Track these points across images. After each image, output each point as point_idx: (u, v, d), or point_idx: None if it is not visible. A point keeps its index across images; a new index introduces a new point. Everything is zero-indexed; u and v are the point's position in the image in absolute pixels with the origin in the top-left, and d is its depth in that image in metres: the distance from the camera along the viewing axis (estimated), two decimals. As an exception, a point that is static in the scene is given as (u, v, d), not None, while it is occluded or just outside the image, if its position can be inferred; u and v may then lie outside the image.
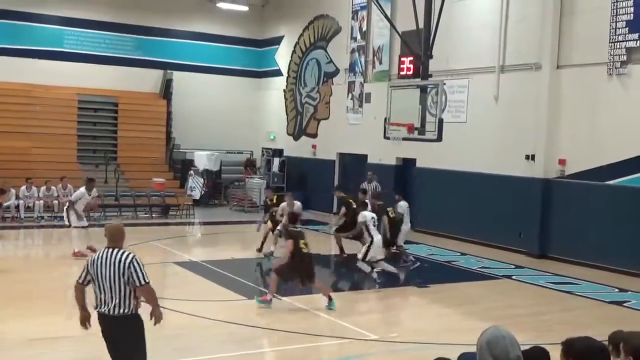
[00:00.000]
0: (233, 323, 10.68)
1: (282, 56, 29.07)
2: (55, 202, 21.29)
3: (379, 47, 23.43)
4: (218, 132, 28.25)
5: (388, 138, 18.52)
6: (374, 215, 14.83)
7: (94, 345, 9.83)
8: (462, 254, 17.98)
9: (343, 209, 16.60)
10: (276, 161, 27.80)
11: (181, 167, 26.57)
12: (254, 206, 25.14)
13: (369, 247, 14.21)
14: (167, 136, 27.41)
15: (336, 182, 24.18)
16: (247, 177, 27.11)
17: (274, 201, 16.96)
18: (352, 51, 24.66)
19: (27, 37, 25.91)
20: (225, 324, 10.66)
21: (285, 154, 28.31)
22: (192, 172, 23.92)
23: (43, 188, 21.55)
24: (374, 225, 14.57)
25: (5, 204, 20.51)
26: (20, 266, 15.14)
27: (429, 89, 16.39)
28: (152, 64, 28.04)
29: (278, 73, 29.33)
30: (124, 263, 6.43)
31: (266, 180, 26.64)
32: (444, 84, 17.45)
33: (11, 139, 24.07)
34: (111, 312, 6.44)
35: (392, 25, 19.83)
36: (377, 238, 14.37)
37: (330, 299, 11.70)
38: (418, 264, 16.31)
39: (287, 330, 10.42)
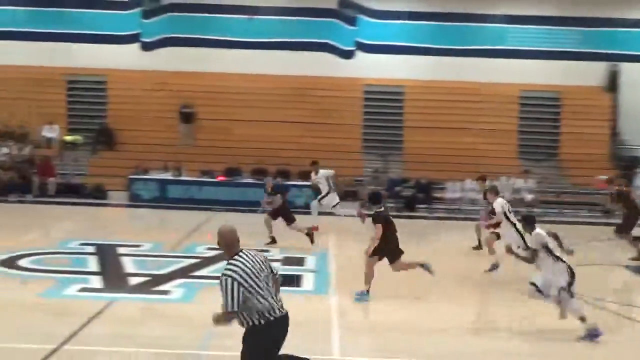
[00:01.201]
0: None
1: None
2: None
3: None
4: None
5: None
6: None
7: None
8: None
9: None
10: None
11: (626, 164, 24.94)
12: None
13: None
14: (613, 131, 26.08)
15: None
16: None
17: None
18: None
19: (471, 37, 26.95)
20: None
21: None
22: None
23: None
24: None
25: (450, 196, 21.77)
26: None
27: None
28: (596, 56, 26.87)
29: None
30: (263, 258, 6.25)
31: None
32: None
33: (459, 135, 25.34)
34: (283, 309, 6.21)
35: None
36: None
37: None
38: None
39: None
